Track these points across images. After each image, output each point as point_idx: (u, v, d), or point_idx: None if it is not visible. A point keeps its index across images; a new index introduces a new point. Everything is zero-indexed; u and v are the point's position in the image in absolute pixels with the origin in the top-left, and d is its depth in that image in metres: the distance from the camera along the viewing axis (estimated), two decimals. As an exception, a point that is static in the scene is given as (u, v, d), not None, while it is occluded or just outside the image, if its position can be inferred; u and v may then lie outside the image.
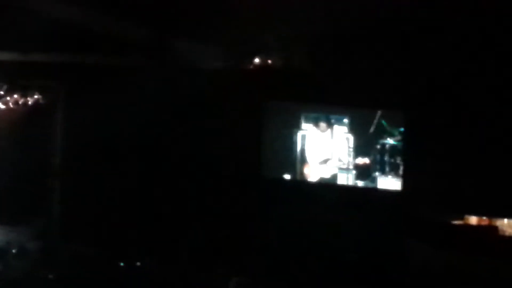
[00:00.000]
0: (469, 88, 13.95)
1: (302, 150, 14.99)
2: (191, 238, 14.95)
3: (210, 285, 13.96)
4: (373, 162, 14.71)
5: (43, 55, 15.04)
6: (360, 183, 14.79)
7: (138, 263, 14.54)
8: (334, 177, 14.89)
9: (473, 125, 14.08)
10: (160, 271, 14.36)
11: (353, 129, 14.76)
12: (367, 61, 14.17)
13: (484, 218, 14.60)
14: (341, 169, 14.85)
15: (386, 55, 14.09)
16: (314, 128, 14.89)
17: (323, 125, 14.84)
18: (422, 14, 13.60)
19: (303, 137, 14.95)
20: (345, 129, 14.80)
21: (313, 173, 15.00)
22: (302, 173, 15.03)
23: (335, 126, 14.83)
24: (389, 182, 14.64)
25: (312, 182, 15.02)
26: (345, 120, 14.80)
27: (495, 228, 14.49)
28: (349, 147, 14.75)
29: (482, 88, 13.88)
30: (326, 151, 14.93)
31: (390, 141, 14.64)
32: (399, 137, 14.58)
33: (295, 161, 15.06)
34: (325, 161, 14.95)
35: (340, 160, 14.83)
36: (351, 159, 14.74)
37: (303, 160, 15.02)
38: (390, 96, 14.24)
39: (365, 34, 14.00)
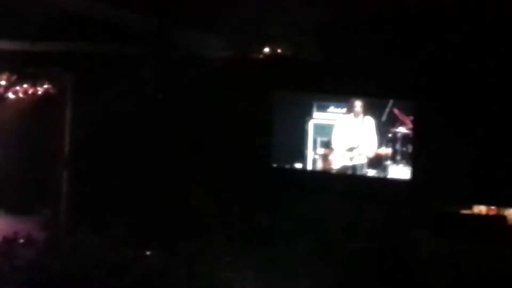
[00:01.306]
0: (481, 76, 14.00)
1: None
2: (200, 228, 14.89)
3: (217, 274, 13.90)
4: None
5: (52, 44, 14.98)
6: (372, 172, 14.82)
7: (148, 253, 14.45)
8: (358, 166, 14.94)
9: (483, 115, 14.13)
10: (166, 262, 14.29)
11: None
12: (377, 50, 14.20)
13: (493, 207, 14.65)
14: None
15: (397, 43, 14.13)
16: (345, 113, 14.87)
17: (358, 105, 14.76)
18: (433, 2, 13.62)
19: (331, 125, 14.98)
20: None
21: (337, 160, 15.00)
22: (326, 160, 15.02)
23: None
24: (400, 171, 14.68)
25: (321, 171, 15.06)
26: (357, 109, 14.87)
27: (504, 218, 14.52)
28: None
29: (495, 76, 13.94)
30: (354, 139, 14.95)
31: (402, 129, 14.65)
32: (410, 126, 14.62)
33: (305, 150, 15.06)
34: (351, 149, 14.97)
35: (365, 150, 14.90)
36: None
37: (328, 147, 15.04)
38: (400, 85, 14.27)
39: (376, 22, 14.02)
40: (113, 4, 14.62)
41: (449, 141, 14.24)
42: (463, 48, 13.95)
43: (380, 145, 14.82)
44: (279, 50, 15.12)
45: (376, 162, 14.79)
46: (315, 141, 15.13)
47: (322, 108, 15.04)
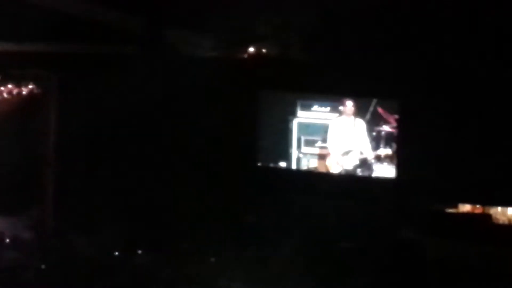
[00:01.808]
0: (464, 76, 14.04)
1: (324, 141, 15.01)
2: (186, 228, 14.89)
3: (205, 275, 13.92)
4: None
5: (36, 45, 14.98)
6: (358, 170, 14.87)
7: (135, 253, 14.46)
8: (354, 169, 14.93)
9: (468, 114, 14.17)
10: (155, 261, 14.30)
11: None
12: (362, 50, 14.21)
13: (478, 206, 14.69)
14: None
15: (382, 44, 14.15)
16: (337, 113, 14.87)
17: (349, 105, 14.73)
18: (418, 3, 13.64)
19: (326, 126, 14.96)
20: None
21: (335, 165, 15.00)
22: (323, 163, 15.00)
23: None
24: (385, 170, 14.70)
25: (307, 171, 15.07)
26: (341, 108, 14.85)
27: (489, 216, 14.58)
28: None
29: (478, 77, 14.00)
30: (349, 141, 14.92)
31: (386, 128, 14.69)
32: (395, 125, 14.64)
33: (289, 149, 15.06)
34: (347, 153, 14.95)
35: (361, 153, 14.88)
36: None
37: (314, 145, 15.05)
38: (385, 85, 14.27)
39: (361, 22, 14.03)
40: (100, 4, 14.58)
41: (434, 140, 14.27)
42: (448, 47, 13.95)
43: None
44: (264, 50, 15.10)
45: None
46: (299, 140, 15.09)
47: (306, 107, 15.00)
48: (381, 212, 14.47)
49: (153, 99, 15.00)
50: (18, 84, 15.44)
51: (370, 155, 14.75)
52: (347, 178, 14.86)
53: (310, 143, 15.10)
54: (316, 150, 15.09)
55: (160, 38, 15.11)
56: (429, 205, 14.63)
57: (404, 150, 14.55)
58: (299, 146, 15.13)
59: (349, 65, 14.39)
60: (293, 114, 15.01)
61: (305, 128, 15.05)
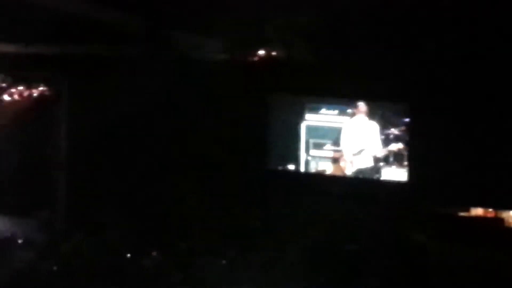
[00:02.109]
0: (477, 77, 13.84)
1: (336, 141, 14.97)
2: (195, 231, 14.89)
3: (214, 277, 13.92)
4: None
5: (47, 47, 15.04)
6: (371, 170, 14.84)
7: (144, 254, 14.47)
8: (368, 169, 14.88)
9: (480, 116, 13.97)
10: (162, 263, 14.31)
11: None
12: (371, 52, 14.08)
13: (490, 210, 14.53)
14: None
15: (391, 45, 13.99)
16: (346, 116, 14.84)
17: (361, 104, 14.69)
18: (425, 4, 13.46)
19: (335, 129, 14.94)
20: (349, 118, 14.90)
21: (349, 165, 14.95)
22: (337, 165, 14.96)
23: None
24: (393, 172, 14.60)
25: (316, 173, 15.01)
26: (350, 110, 14.83)
27: (501, 220, 14.42)
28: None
29: (491, 78, 13.79)
30: (361, 141, 14.87)
31: (394, 131, 14.57)
32: (403, 127, 14.52)
33: (298, 152, 15.06)
34: (360, 152, 14.89)
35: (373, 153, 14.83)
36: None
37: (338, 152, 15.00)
38: (395, 87, 14.14)
39: (370, 25, 13.88)
40: (108, 6, 14.54)
41: (446, 143, 14.11)
42: (458, 49, 13.77)
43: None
44: (274, 53, 15.02)
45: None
46: (307, 143, 15.07)
47: (314, 110, 14.98)
48: (391, 215, 14.35)
49: (163, 101, 15.03)
50: (29, 86, 15.54)
51: (381, 152, 14.70)
52: (356, 181, 14.78)
53: (318, 146, 15.06)
54: (325, 153, 15.04)
55: (169, 41, 15.05)
56: (440, 209, 14.50)
57: (415, 153, 14.41)
58: (307, 149, 15.08)
59: (358, 68, 14.24)
60: (301, 117, 14.96)
61: (313, 131, 15.01)
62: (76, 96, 15.58)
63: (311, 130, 15.03)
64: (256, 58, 15.09)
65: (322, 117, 14.99)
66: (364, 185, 14.76)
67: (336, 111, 14.89)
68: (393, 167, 14.68)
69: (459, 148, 14.07)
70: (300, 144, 15.05)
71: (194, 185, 15.18)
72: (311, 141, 15.06)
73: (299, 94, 14.93)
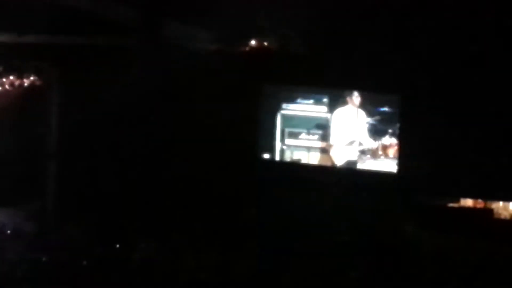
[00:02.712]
0: (466, 69, 13.99)
1: (326, 132, 15.01)
2: (187, 221, 14.87)
3: (206, 267, 13.90)
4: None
5: (37, 37, 14.99)
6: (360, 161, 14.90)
7: (139, 245, 14.44)
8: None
9: (470, 109, 14.10)
10: (155, 254, 14.28)
11: (332, 109, 14.93)
12: (362, 44, 14.17)
13: (480, 201, 14.63)
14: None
15: (382, 37, 14.10)
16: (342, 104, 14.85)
17: (355, 95, 14.72)
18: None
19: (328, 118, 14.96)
20: (324, 108, 14.91)
21: (339, 155, 14.98)
22: (326, 155, 15.01)
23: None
24: (380, 164, 14.74)
25: (308, 164, 15.05)
26: (325, 100, 14.89)
27: (491, 211, 14.51)
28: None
29: (481, 72, 13.94)
30: (352, 132, 14.91)
31: (370, 120, 14.73)
32: (378, 117, 14.62)
33: (273, 141, 15.19)
34: (351, 143, 14.93)
35: (360, 144, 14.88)
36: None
37: (327, 142, 15.03)
38: (386, 78, 14.22)
39: (362, 16, 14.00)
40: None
41: (436, 134, 14.21)
42: (450, 43, 13.89)
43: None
44: (265, 43, 15.07)
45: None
46: (283, 132, 15.15)
47: (290, 100, 15.05)
48: (381, 206, 14.41)
49: (153, 92, 15.03)
50: (20, 75, 15.47)
51: (372, 145, 14.76)
52: (348, 172, 14.81)
53: (294, 135, 15.13)
54: (301, 142, 15.11)
55: (161, 31, 15.07)
56: (430, 200, 14.58)
57: (406, 144, 14.48)
58: (282, 139, 15.15)
59: (349, 59, 14.32)
60: (278, 106, 15.05)
61: (289, 120, 15.09)
62: (67, 86, 15.52)
63: (286, 119, 15.11)
64: (247, 49, 15.11)
65: (298, 107, 15.07)
66: (355, 175, 14.77)
67: (311, 101, 14.96)
68: (381, 158, 14.76)
69: (449, 140, 14.18)
70: (275, 134, 15.14)
71: (185, 176, 15.14)
72: (287, 130, 15.13)
73: (291, 84, 14.94)
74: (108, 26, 14.87)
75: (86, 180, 15.36)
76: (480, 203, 14.66)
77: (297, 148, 15.15)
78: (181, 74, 14.90)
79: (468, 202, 14.71)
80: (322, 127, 15.00)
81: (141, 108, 15.11)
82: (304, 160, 15.13)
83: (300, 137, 15.12)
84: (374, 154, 14.76)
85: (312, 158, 15.10)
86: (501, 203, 14.51)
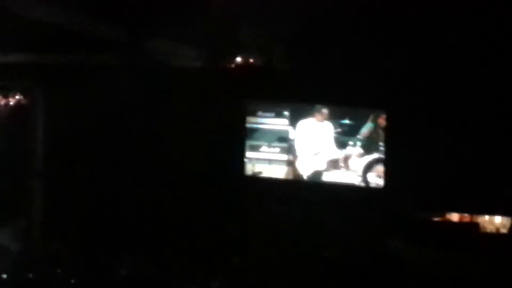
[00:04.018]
0: (452, 83, 13.97)
1: (291, 144, 15.02)
2: (174, 239, 14.90)
3: (191, 285, 13.92)
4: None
5: (23, 56, 15.06)
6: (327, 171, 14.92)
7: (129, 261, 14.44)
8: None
9: (456, 121, 14.07)
10: (141, 270, 14.30)
11: (293, 122, 14.97)
12: (346, 59, 14.19)
13: (466, 215, 14.63)
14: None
15: (366, 52, 14.11)
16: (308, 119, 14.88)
17: (324, 112, 14.79)
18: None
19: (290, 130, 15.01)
20: (285, 121, 14.98)
21: (305, 167, 14.99)
22: (293, 167, 15.02)
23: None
24: (348, 175, 14.82)
25: (293, 179, 15.04)
26: (286, 113, 14.94)
27: (476, 225, 14.50)
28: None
29: (466, 83, 13.91)
30: (317, 143, 14.92)
31: (333, 132, 14.80)
32: (339, 129, 14.70)
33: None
34: (317, 154, 14.93)
35: (326, 154, 14.88)
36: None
37: (293, 155, 15.03)
38: (371, 93, 14.23)
39: (344, 32, 14.01)
40: (84, 15, 14.61)
41: (421, 148, 14.18)
42: (434, 54, 13.89)
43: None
44: (250, 60, 15.12)
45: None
46: None
47: (253, 113, 15.16)
48: (365, 220, 14.41)
49: (139, 109, 15.09)
50: (6, 95, 15.55)
51: (338, 155, 14.78)
52: (332, 187, 14.81)
53: (254, 148, 15.19)
54: (262, 155, 15.15)
55: (146, 49, 15.13)
56: (415, 214, 14.57)
57: (391, 158, 14.49)
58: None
59: (335, 74, 14.35)
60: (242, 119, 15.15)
61: (250, 133, 15.18)
62: (52, 105, 15.57)
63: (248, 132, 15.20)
64: (232, 65, 15.15)
65: (260, 120, 15.14)
66: (340, 190, 14.77)
67: (273, 114, 15.03)
68: (350, 168, 14.80)
69: (434, 154, 14.15)
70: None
71: (173, 190, 15.17)
72: (248, 143, 15.19)
73: (275, 100, 14.97)
74: (92, 44, 14.89)
75: (72, 198, 15.38)
76: (466, 217, 14.63)
77: (258, 161, 15.17)
78: (167, 92, 14.97)
79: (454, 216, 14.69)
80: (284, 140, 15.04)
81: (127, 125, 15.16)
82: (266, 173, 15.14)
83: (261, 150, 15.16)
84: (335, 165, 14.81)
85: (275, 171, 15.12)
86: (486, 217, 14.49)
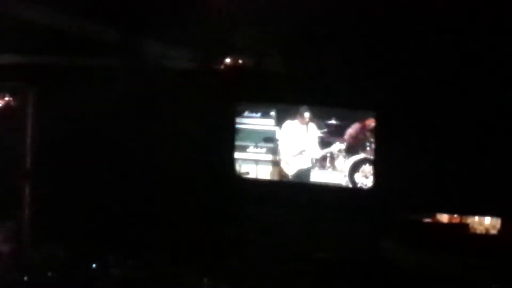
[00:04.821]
0: (442, 84, 14.05)
1: (275, 145, 15.09)
2: (165, 239, 14.90)
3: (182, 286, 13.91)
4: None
5: (14, 57, 14.99)
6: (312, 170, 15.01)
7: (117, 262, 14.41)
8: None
9: (447, 122, 14.15)
10: (132, 272, 14.29)
11: (280, 122, 15.06)
12: (337, 61, 14.22)
13: (455, 216, 14.69)
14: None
15: (358, 54, 14.15)
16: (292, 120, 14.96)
17: (306, 115, 14.85)
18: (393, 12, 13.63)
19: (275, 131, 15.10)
20: (271, 121, 15.07)
21: (290, 166, 15.03)
22: (277, 167, 15.09)
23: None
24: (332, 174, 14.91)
25: (283, 180, 15.09)
26: (272, 113, 15.03)
27: (466, 226, 14.58)
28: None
29: (456, 85, 14.00)
30: (301, 143, 14.98)
31: (319, 133, 14.90)
32: (325, 130, 14.76)
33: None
34: (301, 153, 14.98)
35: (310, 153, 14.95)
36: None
37: (280, 155, 15.10)
38: (362, 95, 14.27)
39: (336, 34, 14.03)
40: (77, 16, 14.56)
41: (410, 149, 14.26)
42: (426, 56, 13.94)
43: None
44: (240, 61, 15.13)
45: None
46: None
47: (240, 113, 15.27)
48: (357, 222, 14.46)
49: (130, 110, 15.06)
50: (-4, 96, 15.51)
51: (320, 153, 14.88)
52: (324, 188, 14.86)
53: (241, 149, 15.28)
54: (249, 155, 15.23)
55: (138, 50, 15.11)
56: (406, 215, 14.63)
57: (379, 159, 14.54)
58: None
59: (325, 77, 14.39)
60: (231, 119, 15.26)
61: (236, 133, 15.28)
62: (43, 107, 15.51)
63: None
64: (223, 67, 15.16)
65: (245, 120, 15.25)
66: (330, 191, 14.81)
67: (259, 114, 15.12)
68: (336, 169, 14.87)
69: (424, 154, 14.22)
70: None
71: (163, 191, 15.17)
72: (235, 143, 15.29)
73: (266, 102, 15.02)
74: (85, 46, 14.84)
75: (63, 199, 15.34)
76: (455, 218, 14.72)
77: (245, 162, 15.24)
78: (159, 93, 14.97)
79: (444, 217, 14.76)
80: (270, 140, 15.12)
81: (118, 127, 15.13)
82: (252, 174, 15.24)
83: (248, 150, 15.23)
84: (321, 164, 14.87)
85: (261, 171, 15.20)
86: (476, 218, 14.57)
